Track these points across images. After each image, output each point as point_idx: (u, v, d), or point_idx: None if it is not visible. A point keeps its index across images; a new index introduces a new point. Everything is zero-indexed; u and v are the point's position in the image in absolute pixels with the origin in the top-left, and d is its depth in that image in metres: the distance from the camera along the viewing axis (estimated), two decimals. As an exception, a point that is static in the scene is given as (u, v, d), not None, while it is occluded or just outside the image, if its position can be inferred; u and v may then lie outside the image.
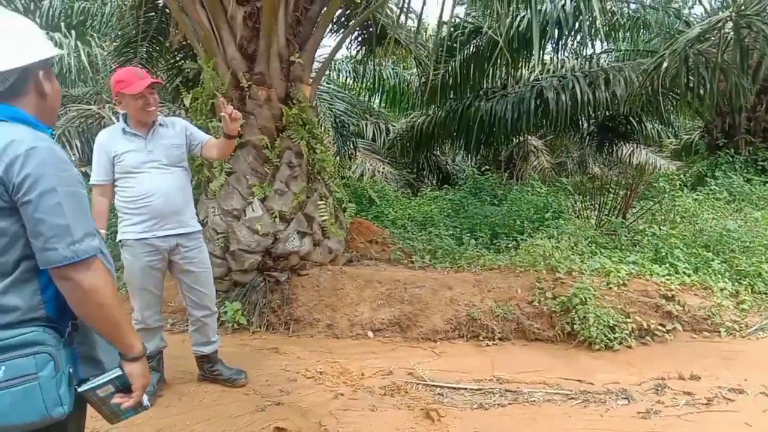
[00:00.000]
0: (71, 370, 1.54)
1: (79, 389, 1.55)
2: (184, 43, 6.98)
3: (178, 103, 7.95)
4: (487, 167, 11.40)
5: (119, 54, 8.39)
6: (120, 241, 3.54)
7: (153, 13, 7.60)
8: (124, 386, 1.62)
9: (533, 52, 8.42)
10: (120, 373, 1.61)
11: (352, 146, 11.28)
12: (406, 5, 5.60)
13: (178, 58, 8.03)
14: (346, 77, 13.73)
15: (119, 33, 8.37)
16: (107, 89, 11.39)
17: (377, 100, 14.43)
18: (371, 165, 11.54)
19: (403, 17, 7.61)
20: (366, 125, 13.00)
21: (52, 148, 1.51)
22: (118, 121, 3.81)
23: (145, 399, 1.69)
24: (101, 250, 1.60)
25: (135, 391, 1.62)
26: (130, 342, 1.62)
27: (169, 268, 3.67)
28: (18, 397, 1.42)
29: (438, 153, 13.91)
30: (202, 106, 5.24)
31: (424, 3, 5.12)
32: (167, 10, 7.47)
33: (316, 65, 6.50)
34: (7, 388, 1.41)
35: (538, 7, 8.13)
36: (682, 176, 7.40)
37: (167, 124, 3.62)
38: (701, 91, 8.30)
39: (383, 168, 11.63)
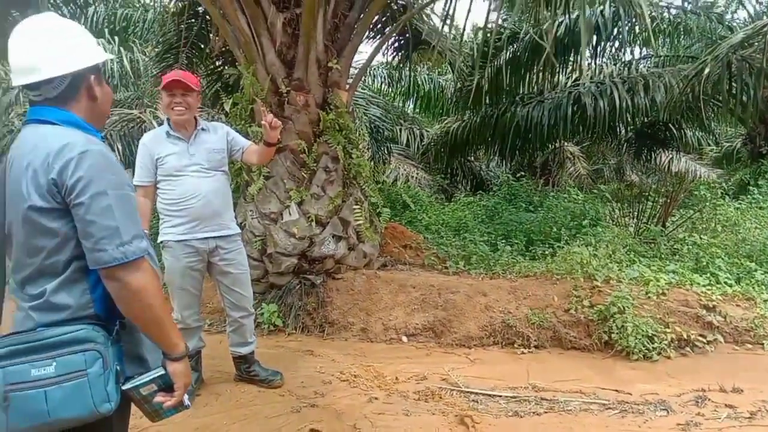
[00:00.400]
0: (118, 368, 1.57)
1: (123, 387, 1.59)
2: (224, 49, 7.11)
3: (218, 107, 8.08)
4: (522, 173, 11.31)
5: (160, 60, 8.58)
6: (161, 242, 3.62)
7: (194, 20, 7.75)
8: (166, 385, 1.64)
9: (579, 56, 8.34)
10: (163, 372, 1.64)
11: (386, 151, 11.31)
12: (448, 10, 5.55)
13: (217, 64, 8.17)
14: (381, 83, 13.79)
15: (161, 39, 8.56)
16: (148, 94, 11.68)
17: (411, 106, 14.45)
18: (405, 170, 11.54)
19: (439, 23, 7.64)
20: (400, 130, 13.01)
21: (103, 152, 1.56)
22: (159, 125, 3.91)
23: (186, 398, 1.71)
24: (148, 251, 1.64)
25: (177, 390, 1.65)
26: (175, 341, 1.65)
27: (208, 269, 3.74)
28: (68, 392, 1.46)
29: (472, 159, 13.85)
30: (242, 111, 5.34)
31: (469, 11, 5.11)
32: (208, 17, 7.61)
33: (352, 71, 6.54)
34: (59, 383, 1.46)
35: (577, 13, 8.10)
36: (723, 184, 7.24)
37: (209, 128, 3.70)
38: (744, 98, 8.11)
39: (417, 173, 11.62)
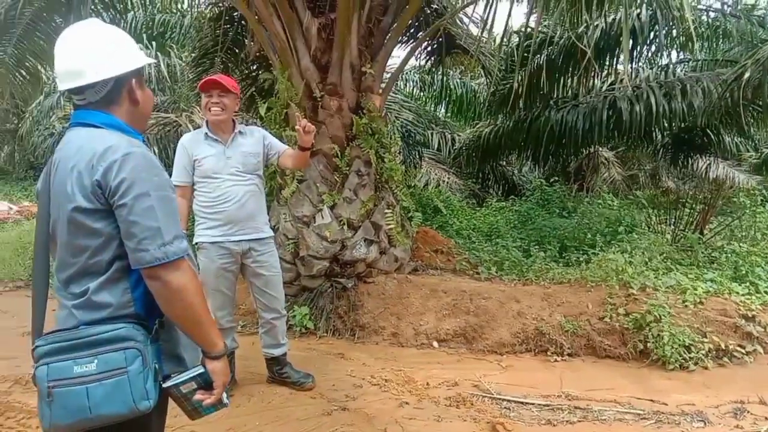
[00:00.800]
0: (156, 366, 1.60)
1: (164, 385, 1.62)
2: (259, 54, 7.18)
3: (252, 112, 8.17)
4: (556, 178, 11.16)
5: (196, 64, 8.71)
6: (196, 243, 3.68)
7: (229, 26, 7.85)
8: (205, 383, 1.67)
9: (615, 60, 8.21)
10: (202, 370, 1.66)
11: (417, 155, 11.29)
12: (487, 15, 5.51)
13: (252, 69, 8.26)
14: (413, 87, 13.78)
15: (197, 44, 8.68)
16: (184, 98, 11.88)
17: (443, 110, 14.39)
18: (436, 174, 11.47)
19: (473, 27, 7.61)
20: (432, 135, 12.96)
21: (146, 154, 1.60)
22: (195, 129, 3.97)
23: (225, 397, 1.73)
24: (188, 252, 1.67)
25: (216, 388, 1.68)
26: (214, 340, 1.67)
27: (242, 271, 3.80)
28: (109, 389, 1.50)
29: (504, 163, 13.72)
30: (276, 115, 5.40)
31: (509, 16, 5.08)
32: (243, 23, 7.71)
33: (385, 75, 6.56)
34: (100, 380, 1.50)
35: (613, 17, 8.00)
36: (763, 191, 7.05)
37: (247, 132, 3.75)
38: (786, 103, 7.89)
39: (448, 177, 11.54)
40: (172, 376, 1.66)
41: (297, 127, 3.43)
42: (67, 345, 1.54)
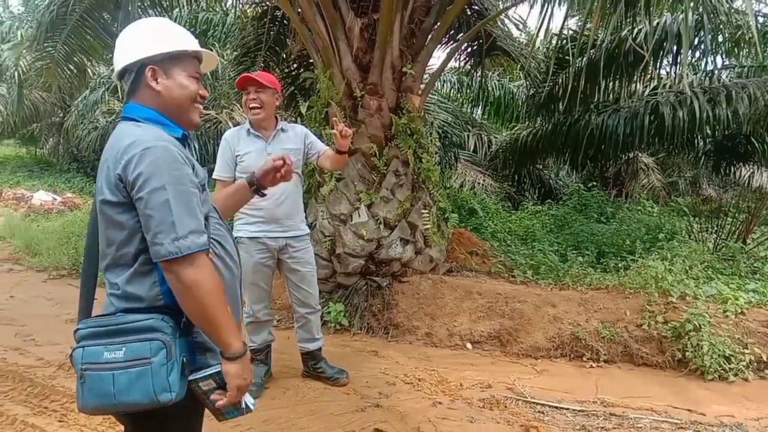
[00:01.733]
0: (185, 359, 1.60)
1: (188, 378, 1.61)
2: (300, 53, 7.27)
3: (291, 110, 8.27)
4: (594, 183, 11.02)
5: (238, 63, 8.85)
6: (235, 238, 3.75)
7: (272, 25, 7.96)
8: (223, 383, 1.63)
9: (658, 64, 8.07)
10: (220, 369, 1.62)
11: (453, 157, 11.27)
12: (543, 17, 5.43)
13: (293, 68, 8.36)
14: (450, 88, 13.75)
15: (240, 42, 8.81)
16: (225, 96, 12.07)
17: (479, 112, 14.31)
18: (472, 176, 11.44)
19: (514, 28, 7.56)
20: (468, 136, 12.92)
21: (168, 148, 1.59)
22: (234, 126, 4.04)
23: (248, 401, 1.69)
24: (212, 249, 1.68)
25: (229, 390, 1.63)
26: (228, 340, 1.62)
27: (278, 266, 3.86)
28: (132, 378, 1.52)
29: (540, 167, 13.60)
30: (317, 114, 5.46)
31: (548, 17, 5.03)
32: (286, 22, 7.82)
33: (425, 76, 6.57)
34: (125, 368, 1.53)
35: (656, 21, 7.86)
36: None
37: (289, 129, 3.81)
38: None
39: (483, 180, 11.50)
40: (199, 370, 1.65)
41: (334, 131, 3.45)
42: (102, 330, 1.59)
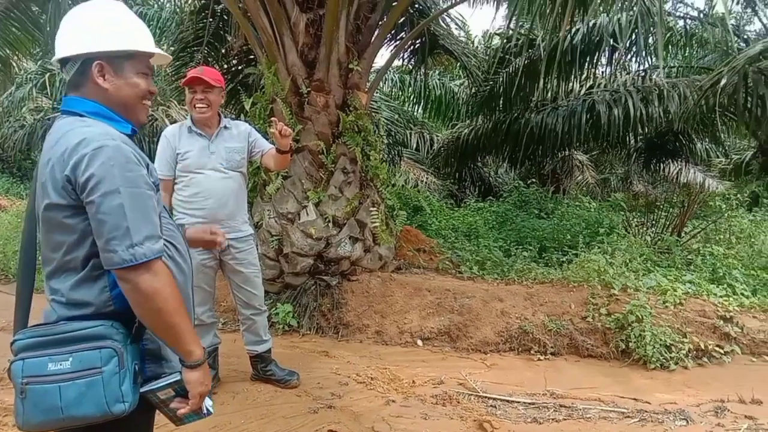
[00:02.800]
0: (137, 367, 1.53)
1: (141, 390, 1.54)
2: (242, 48, 7.12)
3: (231, 106, 8.08)
4: (533, 180, 11.28)
5: (175, 58, 8.58)
6: None
7: (211, 19, 7.76)
8: (183, 391, 1.58)
9: (594, 63, 8.28)
10: (179, 377, 1.58)
11: (397, 155, 11.32)
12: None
13: (232, 64, 8.18)
14: (392, 87, 13.79)
15: (177, 37, 8.55)
16: (161, 92, 11.69)
17: (420, 110, 14.42)
18: (415, 174, 11.52)
19: (455, 28, 7.63)
20: (410, 135, 13.01)
21: (120, 148, 1.49)
22: (171, 123, 3.90)
23: (209, 405, 1.65)
24: (168, 251, 1.61)
25: (191, 398, 1.58)
26: (189, 348, 1.56)
27: (221, 267, 3.75)
28: (82, 390, 1.43)
29: (481, 165, 13.83)
30: (261, 110, 5.34)
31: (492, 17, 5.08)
32: (225, 17, 7.64)
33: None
34: (73, 379, 1.43)
35: (592, 22, 8.09)
36: (739, 196, 7.21)
37: (232, 127, 3.69)
38: (758, 111, 8.07)
39: (426, 177, 11.60)
40: (153, 380, 1.59)
41: (272, 130, 3.36)
42: (44, 340, 1.48)
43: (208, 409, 1.66)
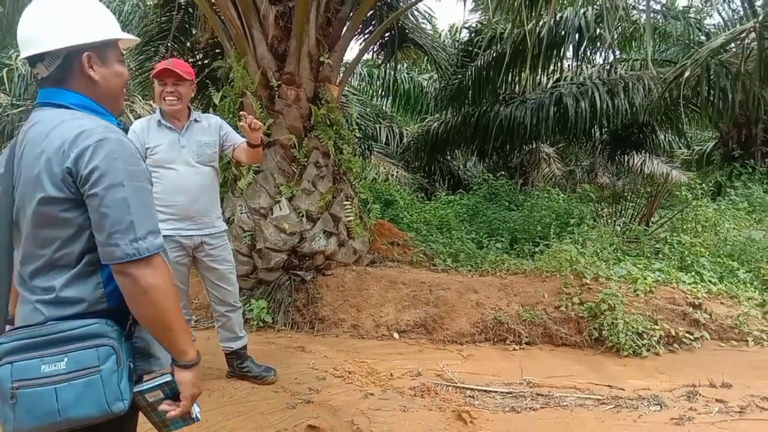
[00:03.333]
0: (131, 365, 1.51)
1: None
2: (209, 41, 7.00)
3: (200, 100, 7.94)
4: (502, 173, 11.39)
5: (139, 52, 8.41)
6: None
7: (175, 12, 7.61)
8: (174, 393, 1.54)
9: (561, 57, 8.37)
10: (170, 378, 1.54)
11: (367, 149, 11.31)
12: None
13: (198, 57, 8.04)
14: (360, 81, 13.77)
15: (141, 31, 8.37)
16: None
17: (390, 104, 14.44)
18: (385, 168, 11.53)
19: (425, 22, 7.63)
20: (380, 129, 13.01)
21: (122, 141, 1.48)
22: (136, 119, 3.81)
23: (196, 410, 1.60)
24: (163, 247, 1.57)
25: (183, 399, 1.54)
26: (183, 348, 1.54)
27: (194, 263, 3.69)
28: (80, 390, 1.39)
29: (450, 158, 13.92)
30: (230, 104, 5.26)
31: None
32: (191, 10, 7.50)
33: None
34: (69, 380, 1.39)
35: (558, 15, 8.19)
36: (704, 186, 7.39)
37: (203, 120, 3.61)
38: (720, 102, 8.29)
39: (397, 171, 11.62)
40: (141, 379, 1.56)
41: (242, 124, 3.30)
42: (33, 342, 1.43)
43: (196, 415, 1.61)
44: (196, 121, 3.57)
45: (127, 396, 1.46)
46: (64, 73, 1.54)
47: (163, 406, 1.53)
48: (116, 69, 1.62)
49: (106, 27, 1.60)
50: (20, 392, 1.39)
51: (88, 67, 1.55)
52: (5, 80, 12.39)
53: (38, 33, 1.53)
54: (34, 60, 1.54)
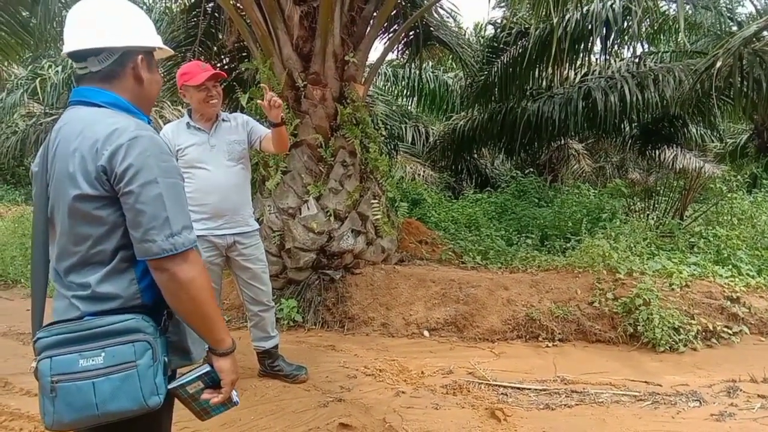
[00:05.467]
0: (166, 359, 1.53)
1: (169, 386, 1.54)
2: (235, 45, 7.06)
3: (228, 103, 8.02)
4: (531, 170, 11.27)
5: (168, 58, 8.52)
6: None
7: (202, 17, 7.70)
8: (213, 382, 1.59)
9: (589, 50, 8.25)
10: (208, 369, 1.59)
11: (393, 149, 11.29)
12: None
13: (225, 61, 8.12)
14: (385, 81, 13.74)
15: (168, 37, 8.49)
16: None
17: (415, 104, 14.39)
18: (411, 168, 11.48)
19: (448, 18, 7.58)
20: (405, 128, 12.97)
21: (154, 138, 1.51)
22: (164, 123, 3.84)
23: (235, 395, 1.66)
24: (196, 242, 1.59)
25: (224, 386, 1.59)
26: (221, 336, 1.58)
27: (227, 263, 3.70)
28: (117, 384, 1.42)
29: (476, 156, 13.81)
30: (258, 106, 5.28)
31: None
32: (216, 14, 7.58)
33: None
34: (107, 375, 1.41)
35: (585, 8, 8.06)
36: (739, 178, 7.21)
37: (230, 119, 3.65)
38: (754, 93, 8.06)
39: (423, 171, 11.57)
40: (177, 375, 1.59)
41: (262, 102, 3.32)
42: (72, 337, 1.45)
43: (236, 399, 1.66)
44: (224, 120, 3.60)
45: (163, 390, 1.48)
46: (115, 71, 1.59)
47: (204, 395, 1.58)
48: (156, 76, 1.70)
49: (154, 35, 1.68)
50: (60, 386, 1.41)
51: (141, 69, 1.61)
52: (38, 90, 12.69)
53: (99, 28, 1.57)
54: (86, 54, 1.58)
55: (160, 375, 1.48)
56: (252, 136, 3.69)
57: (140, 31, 1.63)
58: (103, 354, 1.43)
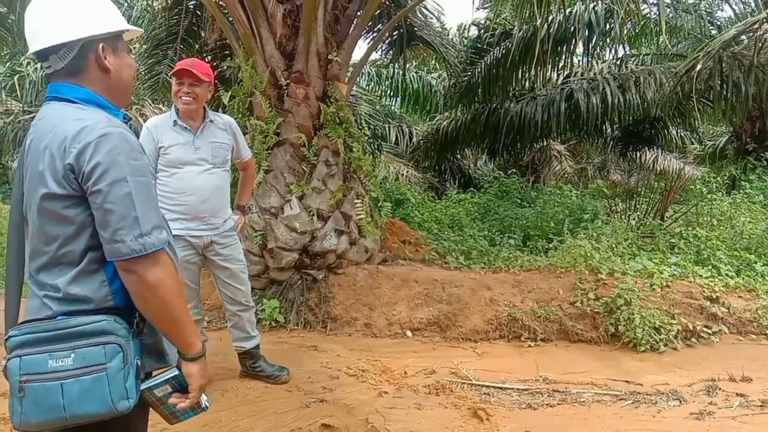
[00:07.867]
0: (139, 362, 1.49)
1: None
2: (217, 43, 7.01)
3: (210, 100, 7.97)
4: (513, 171, 11.32)
5: (149, 56, 8.45)
6: None
7: (184, 15, 7.63)
8: (181, 386, 1.56)
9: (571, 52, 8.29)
10: (177, 372, 1.55)
11: (376, 148, 11.28)
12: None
13: (207, 59, 8.05)
14: (369, 81, 13.73)
15: (149, 35, 8.40)
16: (134, 91, 11.48)
17: (399, 104, 14.39)
18: (395, 168, 11.49)
19: (433, 19, 7.60)
20: (389, 128, 12.97)
21: (124, 135, 1.46)
22: (144, 121, 3.80)
23: (204, 400, 1.62)
24: (169, 242, 1.55)
25: (192, 391, 1.55)
26: (190, 341, 1.54)
27: (205, 263, 3.67)
28: (86, 387, 1.38)
29: (460, 157, 13.85)
30: (240, 104, 5.25)
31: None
32: (199, 12, 7.52)
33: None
34: (76, 376, 1.38)
35: (568, 10, 8.12)
36: (719, 179, 7.30)
37: (218, 121, 3.59)
38: (733, 96, 8.17)
39: (407, 171, 11.58)
40: (149, 377, 1.56)
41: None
42: (42, 336, 1.42)
43: (205, 404, 1.62)
44: (211, 122, 3.54)
45: (133, 395, 1.45)
46: (78, 64, 1.53)
47: (172, 399, 1.54)
48: (126, 60, 1.62)
49: (116, 18, 1.60)
50: (28, 386, 1.38)
51: (103, 58, 1.54)
52: (17, 87, 12.48)
53: (53, 24, 1.51)
54: (46, 53, 1.52)
55: (131, 379, 1.45)
56: (235, 153, 3.70)
57: (94, 18, 1.55)
58: (73, 355, 1.39)
